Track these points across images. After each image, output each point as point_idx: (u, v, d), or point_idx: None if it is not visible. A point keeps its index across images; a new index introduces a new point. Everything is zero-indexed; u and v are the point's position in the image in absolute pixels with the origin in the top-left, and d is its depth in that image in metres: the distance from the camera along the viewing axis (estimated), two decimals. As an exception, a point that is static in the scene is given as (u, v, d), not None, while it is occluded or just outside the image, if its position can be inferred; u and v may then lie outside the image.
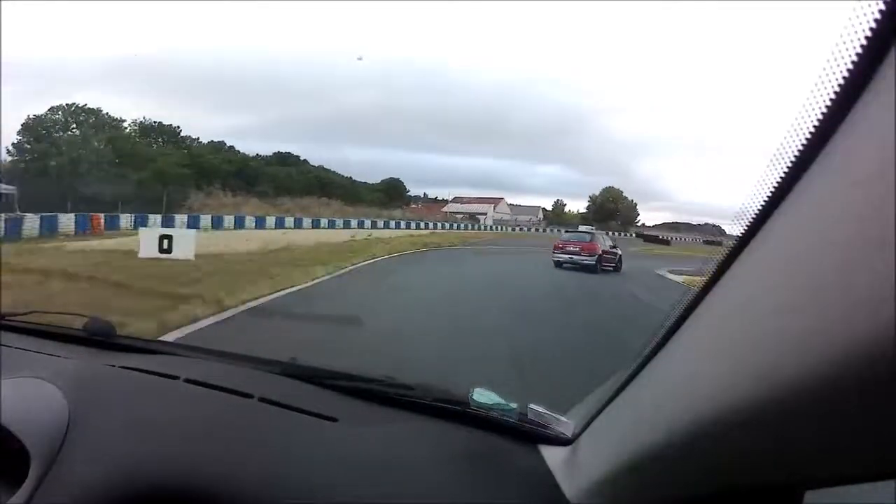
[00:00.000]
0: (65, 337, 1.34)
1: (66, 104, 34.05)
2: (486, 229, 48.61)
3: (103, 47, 60.78)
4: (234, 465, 0.80)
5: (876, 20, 0.33)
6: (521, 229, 51.95)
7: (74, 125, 34.09)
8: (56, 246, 13.92)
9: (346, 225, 35.80)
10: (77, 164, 30.35)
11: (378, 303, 8.21)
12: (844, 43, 0.35)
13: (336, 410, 0.96)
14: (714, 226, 61.01)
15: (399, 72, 76.84)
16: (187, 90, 62.00)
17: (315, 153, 78.30)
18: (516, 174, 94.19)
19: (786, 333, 0.36)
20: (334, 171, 48.88)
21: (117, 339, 1.33)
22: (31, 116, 32.61)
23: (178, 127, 41.69)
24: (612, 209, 57.89)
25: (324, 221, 35.80)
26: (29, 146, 32.17)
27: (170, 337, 4.81)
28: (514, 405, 0.98)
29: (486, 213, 56.91)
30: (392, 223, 41.28)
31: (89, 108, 34.72)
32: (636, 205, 61.64)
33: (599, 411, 0.76)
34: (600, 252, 16.38)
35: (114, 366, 1.11)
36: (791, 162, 0.40)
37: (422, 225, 43.63)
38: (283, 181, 42.20)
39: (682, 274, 14.80)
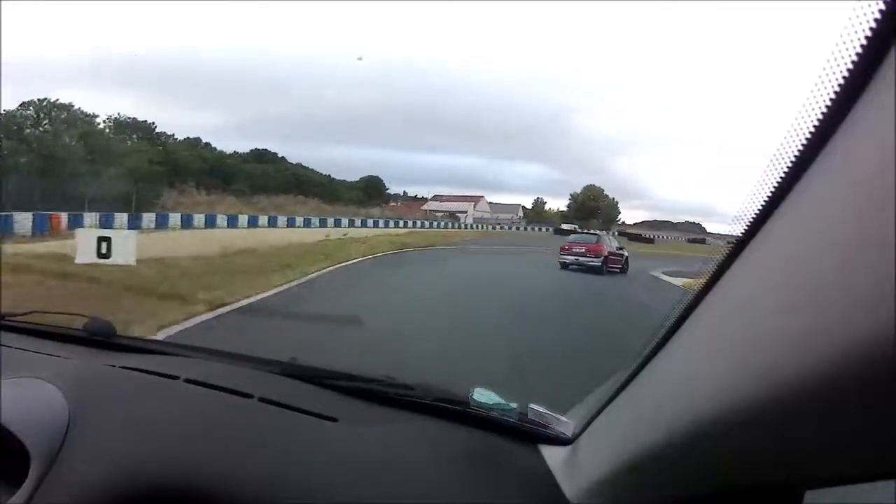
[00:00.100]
0: (65, 337, 1.34)
1: (38, 99, 32.48)
2: (466, 228, 48.32)
3: (79, 44, 59.83)
4: (234, 465, 0.80)
5: (876, 20, 0.33)
6: (501, 227, 51.69)
7: (47, 121, 32.97)
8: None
9: (323, 224, 34.39)
10: (47, 161, 29.97)
11: (351, 313, 6.84)
12: (844, 43, 0.35)
13: (336, 410, 0.96)
14: (693, 223, 61.67)
15: (382, 71, 76.56)
16: (164, 87, 60.63)
17: (293, 151, 78.23)
18: (496, 172, 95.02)
19: (786, 333, 0.36)
20: (312, 169, 48.18)
21: (117, 339, 1.33)
22: (1, 112, 32.09)
23: (154, 123, 40.56)
24: (593, 207, 57.56)
25: (299, 220, 34.39)
26: (-2, 143, 31.60)
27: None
28: (514, 405, 0.98)
29: (465, 212, 56.62)
30: (370, 222, 40.48)
31: (61, 104, 32.79)
32: (617, 203, 61.43)
33: (599, 411, 0.76)
34: (606, 254, 16.48)
35: (114, 366, 1.11)
36: (791, 162, 0.40)
37: (401, 223, 42.89)
38: (260, 179, 40.97)
39: (679, 276, 14.29)
